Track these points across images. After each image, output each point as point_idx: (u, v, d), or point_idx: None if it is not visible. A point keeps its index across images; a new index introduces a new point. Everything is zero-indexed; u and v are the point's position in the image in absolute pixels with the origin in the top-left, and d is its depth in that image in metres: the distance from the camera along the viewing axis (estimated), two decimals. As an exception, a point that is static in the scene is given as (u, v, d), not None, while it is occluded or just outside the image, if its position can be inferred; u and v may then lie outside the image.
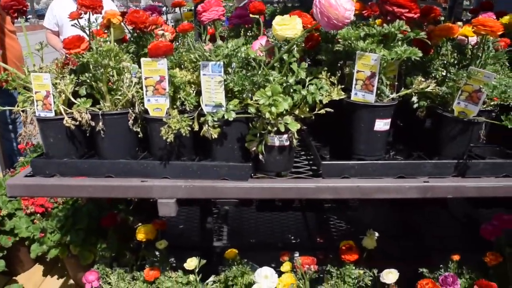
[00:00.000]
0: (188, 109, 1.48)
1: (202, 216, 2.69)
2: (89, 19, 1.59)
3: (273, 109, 1.34)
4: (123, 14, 1.70)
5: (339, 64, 1.69)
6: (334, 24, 1.32)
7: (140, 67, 1.46)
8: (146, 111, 1.48)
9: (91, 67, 1.49)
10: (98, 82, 1.50)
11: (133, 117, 1.52)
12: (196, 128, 1.44)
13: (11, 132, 3.52)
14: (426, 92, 1.54)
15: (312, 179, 1.52)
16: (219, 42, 1.61)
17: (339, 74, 1.54)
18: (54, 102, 1.51)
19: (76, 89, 1.57)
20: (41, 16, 45.60)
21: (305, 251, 2.19)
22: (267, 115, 1.35)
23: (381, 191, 1.48)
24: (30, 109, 1.57)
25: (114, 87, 1.53)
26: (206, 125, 1.40)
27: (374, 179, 1.50)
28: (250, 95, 1.44)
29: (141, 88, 1.46)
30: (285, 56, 1.41)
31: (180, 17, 2.71)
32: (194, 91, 1.51)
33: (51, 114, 1.53)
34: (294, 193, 1.49)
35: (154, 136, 1.50)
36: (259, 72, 1.42)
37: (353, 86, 1.46)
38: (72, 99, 1.53)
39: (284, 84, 1.39)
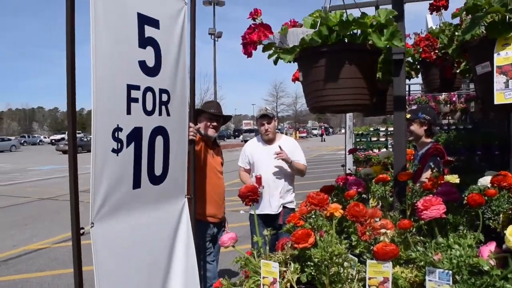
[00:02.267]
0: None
1: None
2: (315, 212, 1.78)
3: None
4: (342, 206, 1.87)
5: None
6: None
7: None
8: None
9: (316, 260, 1.63)
10: (322, 275, 1.61)
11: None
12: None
13: (200, 260, 3.75)
14: None
15: None
16: (440, 239, 1.61)
17: None
18: (279, 288, 1.67)
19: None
20: (221, 137, 53.06)
21: None
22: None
23: None
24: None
25: (336, 279, 1.62)
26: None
27: None
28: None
29: (363, 285, 1.52)
30: (522, 269, 1.32)
31: (370, 172, 2.85)
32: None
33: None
34: None
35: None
36: (491, 281, 1.35)
37: None
38: (295, 287, 1.67)
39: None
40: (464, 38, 1.55)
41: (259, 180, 4.27)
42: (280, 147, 4.35)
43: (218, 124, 3.98)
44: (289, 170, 4.39)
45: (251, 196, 2.02)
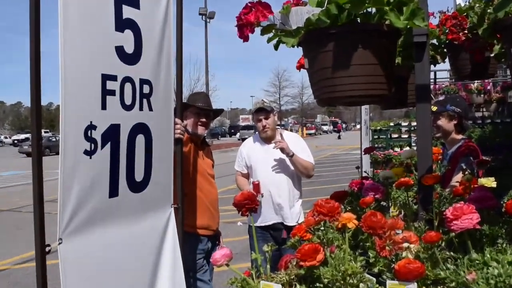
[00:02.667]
0: None
1: None
2: (324, 223, 1.78)
3: None
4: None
5: None
6: None
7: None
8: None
9: (326, 281, 1.63)
10: (333, 297, 1.61)
11: None
12: None
13: (190, 278, 3.67)
14: None
15: None
16: (474, 255, 1.60)
17: None
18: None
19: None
20: (214, 135, 53.50)
21: None
22: None
23: None
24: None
25: (348, 302, 1.62)
26: None
27: None
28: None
29: (382, 309, 1.52)
30: None
31: (390, 174, 2.85)
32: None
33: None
34: None
35: None
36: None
37: None
38: (302, 312, 1.67)
39: None
40: (497, 16, 1.55)
41: (256, 186, 4.23)
42: (281, 134, 4.35)
43: (207, 119, 3.95)
44: (293, 170, 4.35)
45: (248, 204, 2.01)
